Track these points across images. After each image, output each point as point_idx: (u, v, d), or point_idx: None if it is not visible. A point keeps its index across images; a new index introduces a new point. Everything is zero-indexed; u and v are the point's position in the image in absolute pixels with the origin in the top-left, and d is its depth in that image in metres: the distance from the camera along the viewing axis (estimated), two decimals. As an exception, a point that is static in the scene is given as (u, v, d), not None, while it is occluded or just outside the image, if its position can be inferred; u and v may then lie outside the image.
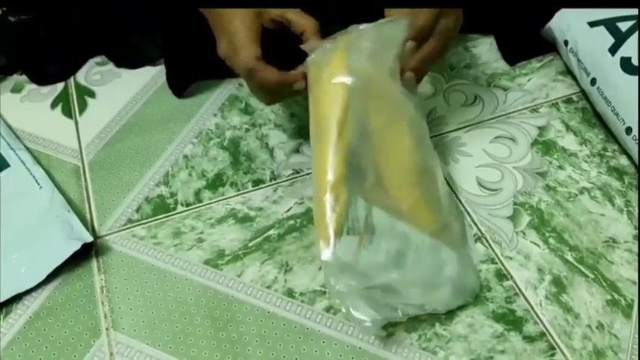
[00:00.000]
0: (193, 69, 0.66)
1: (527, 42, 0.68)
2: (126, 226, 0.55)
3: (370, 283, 0.46)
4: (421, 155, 0.51)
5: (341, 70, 0.49)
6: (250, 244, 0.54)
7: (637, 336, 0.48)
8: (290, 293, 0.51)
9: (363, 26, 0.50)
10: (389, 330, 0.48)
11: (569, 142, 0.61)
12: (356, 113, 0.49)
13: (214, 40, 0.53)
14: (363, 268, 0.46)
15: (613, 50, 0.60)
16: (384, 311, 0.46)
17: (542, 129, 0.62)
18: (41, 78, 0.67)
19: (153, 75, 0.68)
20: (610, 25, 0.61)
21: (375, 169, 0.49)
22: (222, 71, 0.57)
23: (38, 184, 0.57)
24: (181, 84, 0.66)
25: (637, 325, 0.49)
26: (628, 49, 0.59)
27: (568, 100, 0.65)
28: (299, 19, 0.52)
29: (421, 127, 0.52)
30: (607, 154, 0.60)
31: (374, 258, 0.47)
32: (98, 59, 0.70)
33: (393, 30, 0.50)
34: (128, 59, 0.69)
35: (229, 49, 0.51)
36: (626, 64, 0.58)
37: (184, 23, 0.62)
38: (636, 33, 0.59)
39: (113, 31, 0.68)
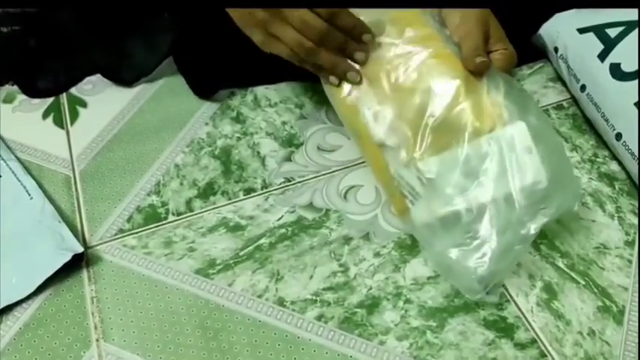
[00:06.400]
0: (219, 76, 0.67)
1: (517, 49, 0.68)
2: (117, 236, 0.55)
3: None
4: None
5: None
6: (241, 253, 0.54)
7: (635, 342, 0.48)
8: (281, 302, 0.51)
9: None
10: (380, 339, 0.48)
11: (559, 148, 0.61)
12: None
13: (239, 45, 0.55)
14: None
15: (602, 56, 0.60)
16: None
17: (533, 135, 0.62)
18: (32, 91, 0.67)
19: (144, 84, 0.68)
20: (599, 31, 0.61)
21: None
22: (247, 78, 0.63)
23: (29, 194, 0.57)
24: (206, 90, 0.67)
25: (637, 331, 0.49)
26: (617, 55, 0.59)
27: (559, 107, 0.66)
28: None
29: None
30: (598, 160, 0.61)
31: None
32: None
33: None
34: (124, 75, 0.68)
35: (265, 30, 0.53)
36: (615, 70, 0.59)
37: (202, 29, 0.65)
38: (625, 39, 0.59)
39: (107, 42, 0.68)
